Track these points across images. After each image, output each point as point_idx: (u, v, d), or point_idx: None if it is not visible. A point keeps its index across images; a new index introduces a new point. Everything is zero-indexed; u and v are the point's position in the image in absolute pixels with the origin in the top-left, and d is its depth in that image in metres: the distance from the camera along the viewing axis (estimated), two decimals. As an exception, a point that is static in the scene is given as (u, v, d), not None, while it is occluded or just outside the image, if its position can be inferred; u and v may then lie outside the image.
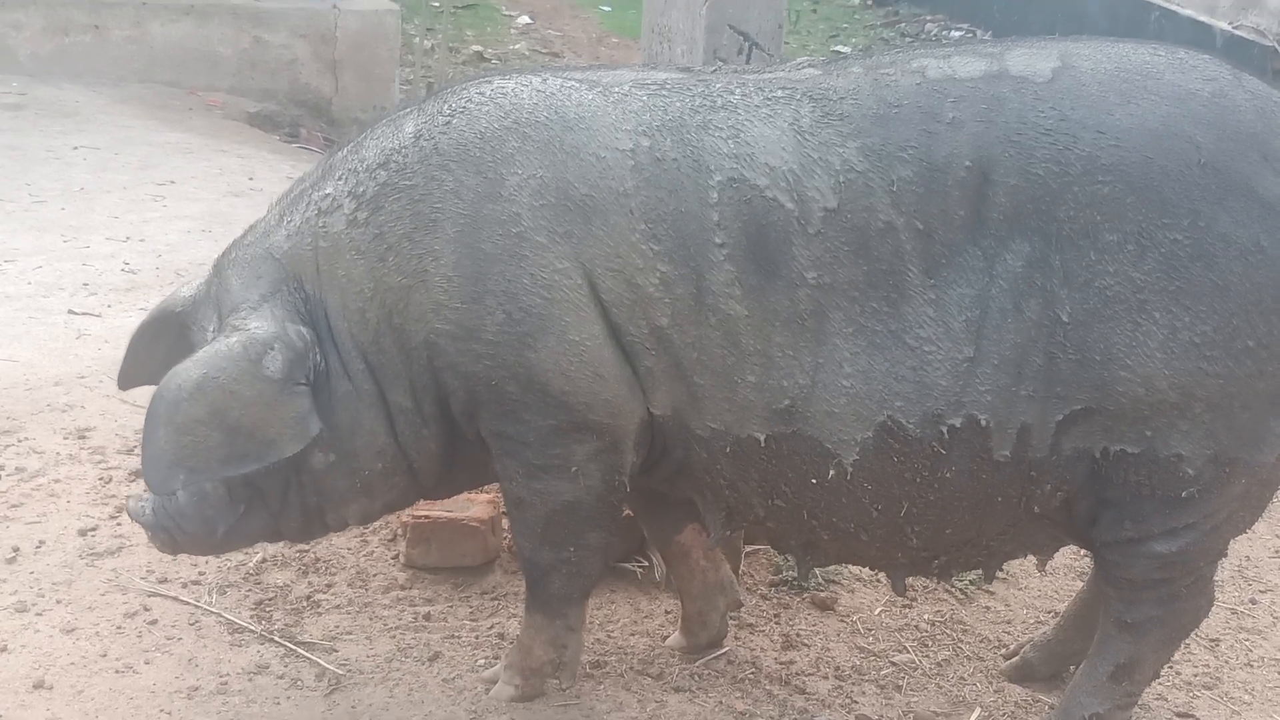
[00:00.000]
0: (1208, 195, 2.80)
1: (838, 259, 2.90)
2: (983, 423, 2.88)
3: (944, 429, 2.90)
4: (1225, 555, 3.16)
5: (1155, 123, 2.84)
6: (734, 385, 2.96)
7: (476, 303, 3.00)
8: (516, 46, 12.85)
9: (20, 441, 4.26)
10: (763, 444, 2.99)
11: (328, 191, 3.16)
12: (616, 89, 3.10)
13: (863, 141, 2.92)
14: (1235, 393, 2.84)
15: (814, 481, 3.01)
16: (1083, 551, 3.63)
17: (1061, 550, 3.64)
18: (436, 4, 13.12)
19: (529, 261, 2.97)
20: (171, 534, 3.21)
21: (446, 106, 3.13)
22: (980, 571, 3.32)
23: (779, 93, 3.03)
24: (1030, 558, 3.39)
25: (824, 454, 2.97)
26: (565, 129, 3.02)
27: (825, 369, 2.92)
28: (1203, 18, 10.15)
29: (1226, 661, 3.92)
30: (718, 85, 3.08)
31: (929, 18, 14.52)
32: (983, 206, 2.86)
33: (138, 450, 4.21)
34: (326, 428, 3.08)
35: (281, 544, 3.68)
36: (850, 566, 3.98)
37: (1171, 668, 3.78)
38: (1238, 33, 9.69)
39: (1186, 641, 3.85)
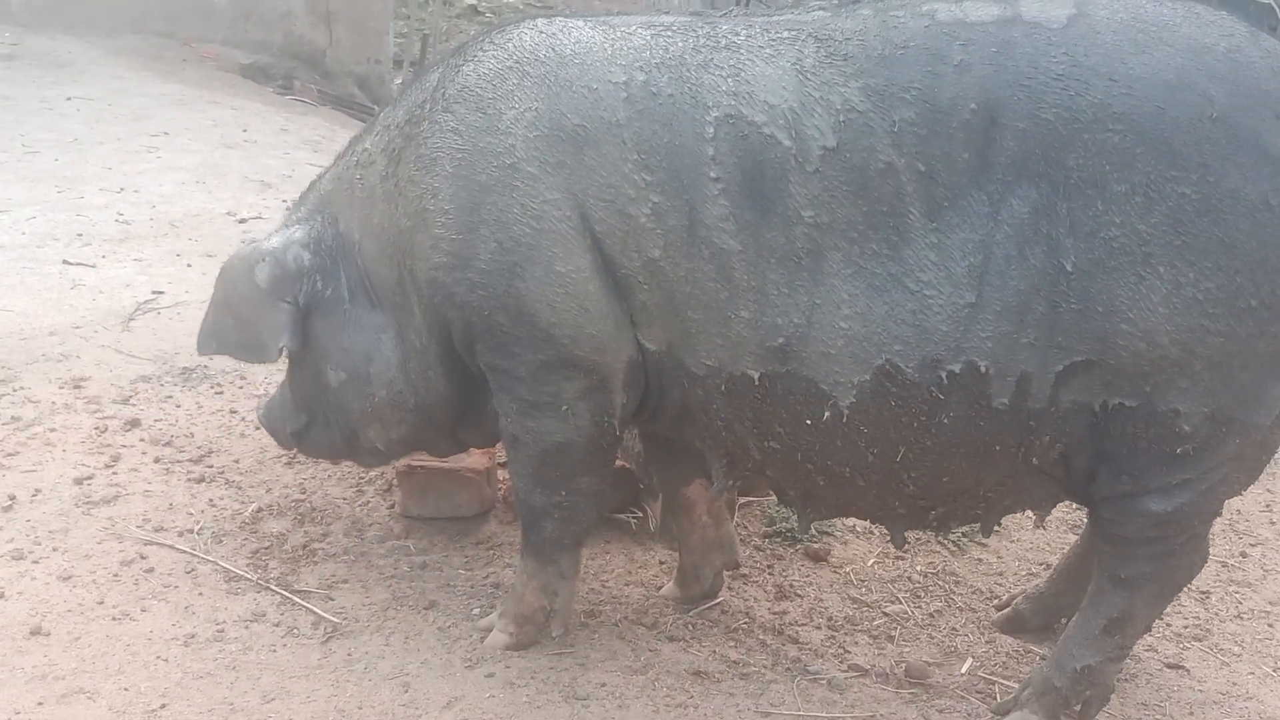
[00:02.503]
0: (1218, 150, 2.79)
1: (836, 198, 2.90)
2: (982, 369, 2.88)
3: (943, 374, 2.90)
4: (1220, 515, 3.17)
5: (1169, 74, 2.82)
6: (727, 321, 2.97)
7: (471, 232, 3.07)
8: (510, 0, 12.79)
9: (15, 391, 4.26)
10: (756, 382, 3.00)
11: (366, 146, 3.41)
12: (622, 28, 3.15)
13: (865, 82, 2.92)
14: (1236, 351, 2.83)
15: (809, 423, 3.02)
16: (1075, 505, 3.65)
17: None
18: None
19: (519, 191, 3.03)
20: (268, 427, 3.73)
21: (461, 56, 3.24)
22: (978, 525, 3.33)
23: (784, 34, 3.04)
24: (1027, 513, 3.40)
25: (819, 395, 2.97)
26: (561, 64, 3.08)
27: (822, 309, 2.92)
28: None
29: (1216, 614, 3.94)
30: (724, 27, 3.10)
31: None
32: (988, 150, 2.85)
33: (132, 400, 4.24)
34: (339, 349, 3.41)
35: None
36: (844, 519, 4.00)
37: (1162, 619, 3.81)
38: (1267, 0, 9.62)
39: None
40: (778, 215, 2.91)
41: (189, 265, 5.37)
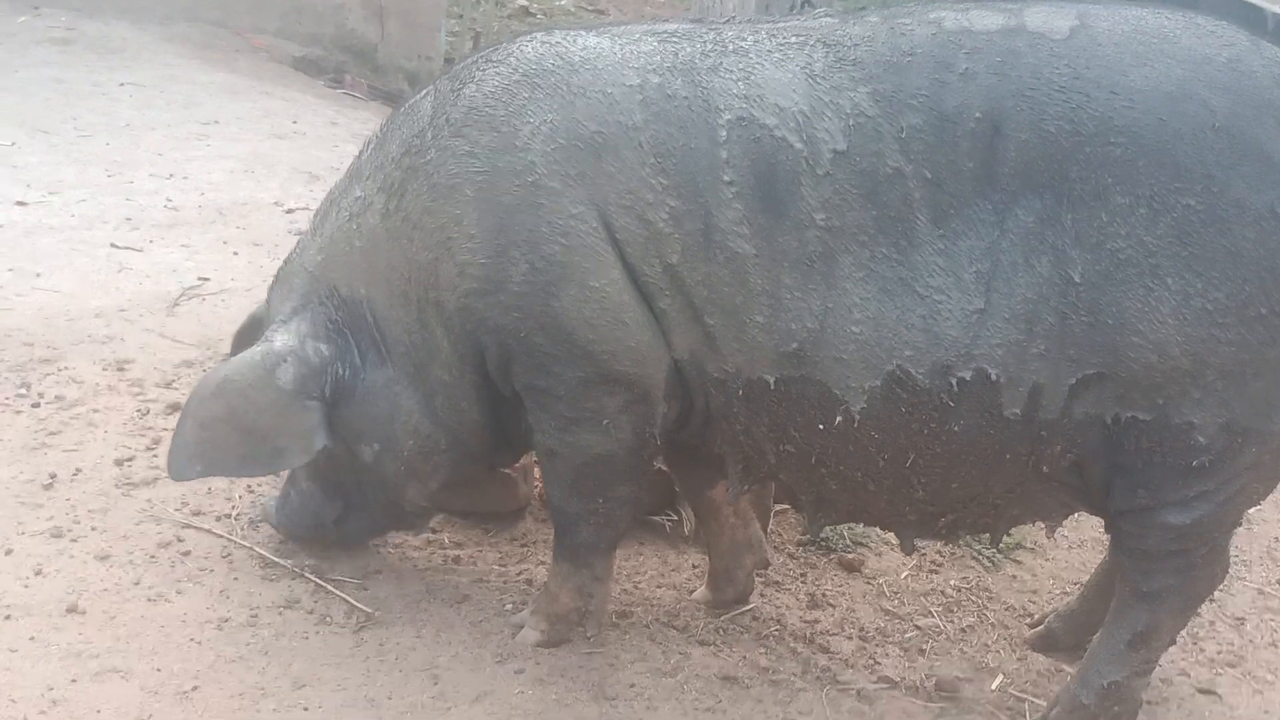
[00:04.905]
0: (1222, 160, 2.79)
1: (846, 202, 2.91)
2: (993, 377, 2.88)
3: (953, 381, 2.90)
4: (1239, 525, 3.15)
5: (1170, 85, 2.83)
6: (743, 325, 2.98)
7: (501, 255, 3.04)
8: (562, 2, 12.81)
9: (60, 371, 4.29)
10: (772, 386, 3.01)
11: (358, 195, 3.29)
12: (626, 35, 3.15)
13: (874, 87, 2.93)
14: (1248, 360, 2.83)
15: (821, 427, 3.02)
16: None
17: (1088, 522, 3.65)
18: (485, -44, 13.09)
19: (545, 209, 3.00)
20: (292, 529, 3.56)
21: (457, 80, 3.19)
22: (988, 535, 3.33)
23: (793, 39, 3.05)
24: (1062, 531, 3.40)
25: (832, 400, 2.98)
26: (572, 71, 3.06)
27: (834, 314, 2.93)
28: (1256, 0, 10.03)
29: (1251, 640, 3.92)
30: (730, 33, 3.11)
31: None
32: (993, 159, 2.86)
33: (175, 384, 4.27)
34: (366, 420, 3.30)
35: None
36: (879, 530, 3.99)
37: (1196, 644, 3.80)
38: (1291, 15, 9.56)
39: (1211, 619, 3.88)
40: (790, 218, 2.92)
41: (235, 253, 5.40)
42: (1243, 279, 2.79)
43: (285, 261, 3.50)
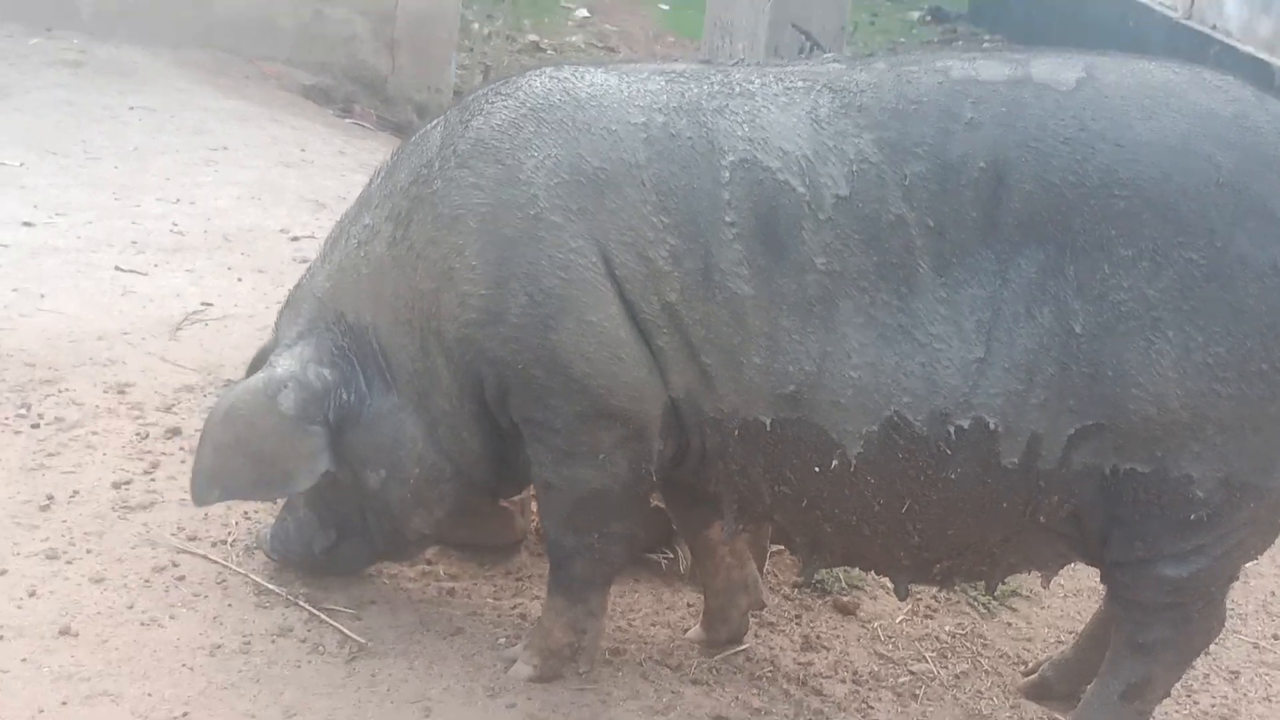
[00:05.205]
0: (1225, 215, 2.80)
1: (848, 247, 2.91)
2: (991, 426, 2.88)
3: (951, 429, 2.90)
4: (1236, 579, 3.15)
5: (1175, 140, 2.84)
6: (740, 366, 2.98)
7: (500, 287, 3.05)
8: (573, 39, 12.88)
9: (60, 392, 4.30)
10: (768, 428, 3.01)
11: (366, 222, 3.31)
12: (634, 73, 3.16)
13: (879, 134, 2.94)
14: (1248, 415, 2.83)
15: (817, 470, 3.02)
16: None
17: (1085, 571, 3.64)
18: (497, -10, 13.19)
19: (546, 243, 3.02)
20: (285, 556, 3.54)
21: (466, 112, 3.21)
22: (983, 582, 3.32)
23: (799, 83, 3.06)
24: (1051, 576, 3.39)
25: (829, 443, 2.98)
26: (578, 107, 3.08)
27: (833, 358, 2.93)
28: (1263, 55, 10.09)
29: (1245, 695, 3.91)
30: (737, 75, 3.12)
31: (987, 36, 14.47)
32: (996, 209, 2.87)
33: (175, 408, 4.27)
34: (372, 446, 3.29)
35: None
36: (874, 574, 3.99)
37: (1190, 697, 3.79)
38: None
39: (1206, 672, 3.87)
40: (791, 261, 2.92)
41: (239, 279, 5.41)
42: (1244, 334, 2.79)
43: (295, 287, 3.52)
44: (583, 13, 14.11)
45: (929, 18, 15.60)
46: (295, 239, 5.94)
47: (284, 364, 3.31)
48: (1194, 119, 2.86)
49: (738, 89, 3.07)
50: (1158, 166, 2.82)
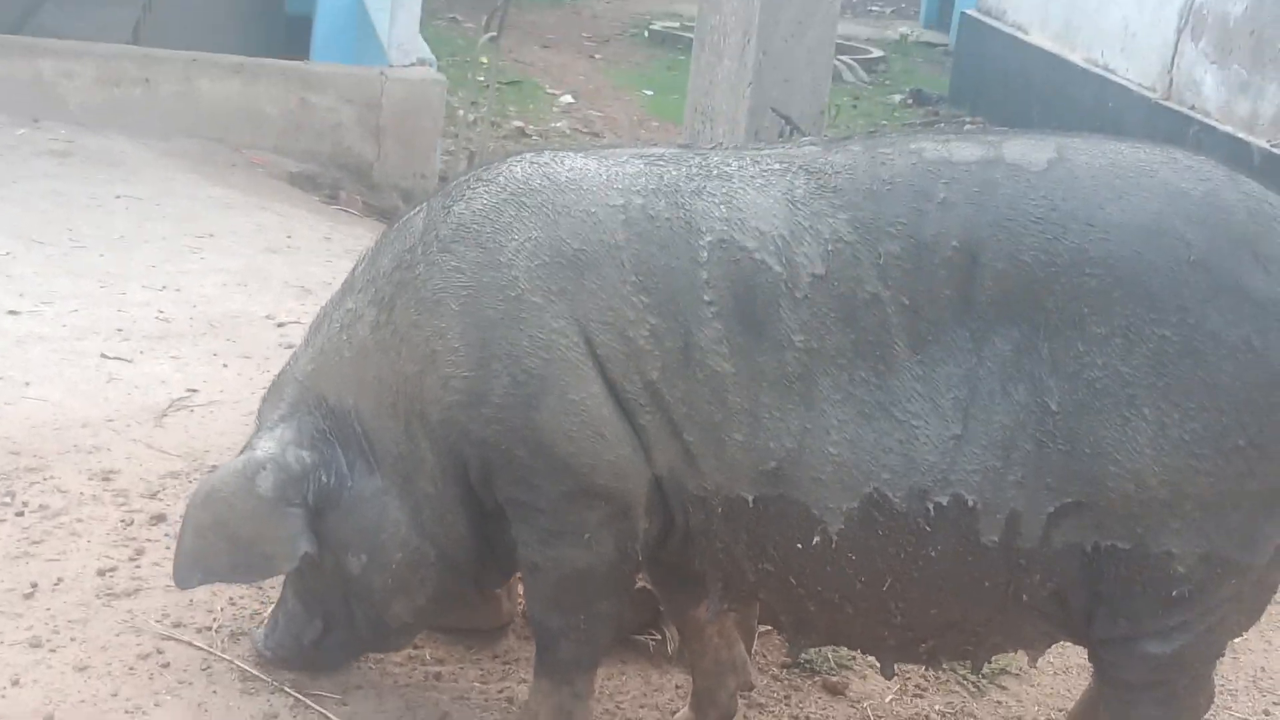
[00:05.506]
0: (1197, 293, 2.81)
1: (825, 325, 2.94)
2: (970, 503, 2.89)
3: (930, 505, 2.90)
4: (1222, 655, 3.14)
5: (1146, 219, 2.86)
6: (722, 443, 2.99)
7: (483, 368, 3.07)
8: (558, 124, 12.99)
9: (45, 480, 4.29)
10: (751, 505, 3.01)
11: (350, 307, 3.33)
12: (613, 157, 3.20)
13: (853, 214, 2.97)
14: (1226, 491, 2.84)
15: (800, 547, 3.02)
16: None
17: (1073, 649, 3.63)
18: (482, 78, 13.29)
19: (527, 323, 3.04)
20: (276, 652, 3.50)
21: (448, 198, 3.25)
22: (969, 662, 3.31)
23: (776, 165, 3.10)
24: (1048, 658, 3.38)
25: (810, 520, 2.98)
26: (557, 191, 3.12)
27: (813, 434, 2.94)
28: (1242, 134, 10.19)
29: (1237, 771, 3.89)
30: (715, 158, 3.16)
31: (969, 119, 14.61)
32: (970, 288, 2.89)
33: (160, 494, 4.26)
34: (353, 530, 3.28)
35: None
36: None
37: (1181, 773, 3.76)
38: (1276, 151, 9.70)
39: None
40: (769, 339, 2.95)
41: (225, 365, 5.42)
42: (1219, 410, 2.80)
43: (279, 373, 3.54)
44: (567, 99, 14.24)
45: (910, 100, 15.76)
46: (281, 325, 5.96)
47: (263, 446, 3.32)
48: (1165, 198, 2.89)
49: (715, 171, 3.11)
50: (1129, 245, 2.84)
